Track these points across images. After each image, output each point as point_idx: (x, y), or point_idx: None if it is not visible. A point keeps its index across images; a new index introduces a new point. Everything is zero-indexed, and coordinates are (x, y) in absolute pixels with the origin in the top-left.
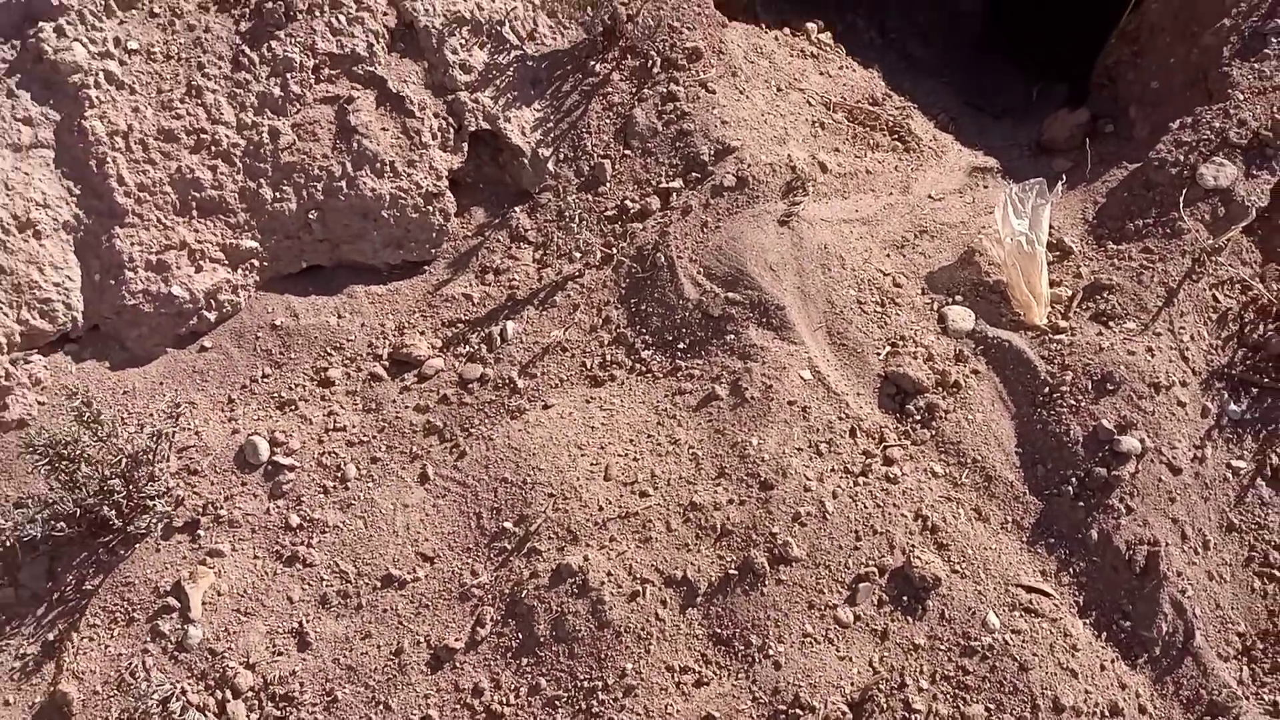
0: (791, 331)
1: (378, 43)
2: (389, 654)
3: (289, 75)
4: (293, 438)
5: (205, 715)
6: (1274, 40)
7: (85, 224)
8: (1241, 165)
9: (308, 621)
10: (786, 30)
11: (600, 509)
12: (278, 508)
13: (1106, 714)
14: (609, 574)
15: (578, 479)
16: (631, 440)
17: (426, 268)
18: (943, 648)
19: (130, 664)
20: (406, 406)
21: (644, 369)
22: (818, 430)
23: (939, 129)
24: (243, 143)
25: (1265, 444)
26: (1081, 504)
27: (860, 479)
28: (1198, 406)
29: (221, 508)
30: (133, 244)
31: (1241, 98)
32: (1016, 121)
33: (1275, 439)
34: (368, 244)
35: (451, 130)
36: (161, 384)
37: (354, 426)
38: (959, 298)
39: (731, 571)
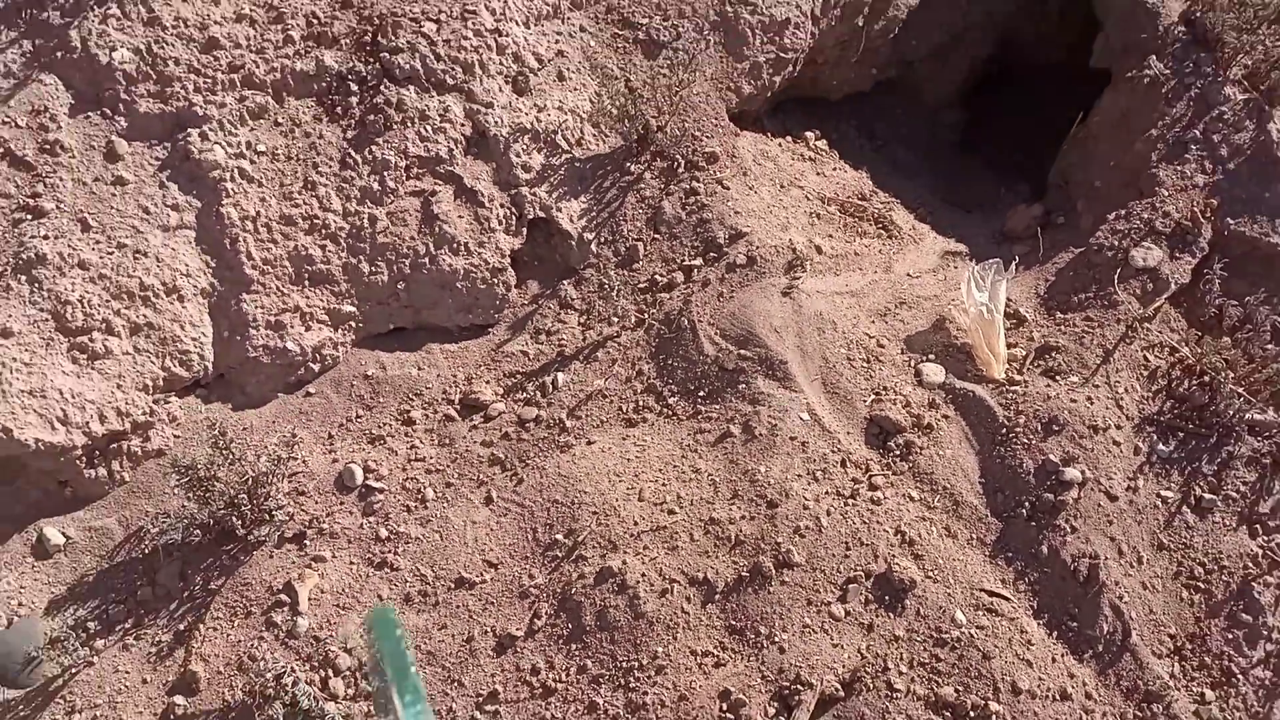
0: (793, 382)
1: (456, 148)
2: (461, 641)
3: (385, 173)
4: (381, 466)
5: (312, 688)
6: (1193, 147)
7: (219, 290)
8: (1166, 249)
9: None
10: (788, 138)
11: (635, 524)
12: (369, 523)
13: (1057, 698)
14: (643, 575)
15: (616, 500)
16: (660, 469)
17: (491, 329)
18: (919, 639)
19: (248, 649)
20: (474, 442)
21: (670, 412)
22: (814, 461)
23: (918, 220)
24: (347, 227)
25: (1189, 479)
26: (1034, 524)
27: (850, 500)
28: (1131, 446)
29: (324, 522)
30: (256, 307)
31: (1166, 194)
32: (985, 215)
33: (1198, 475)
34: (443, 309)
35: (514, 218)
36: (274, 422)
37: (431, 458)
38: (932, 356)
39: (744, 574)
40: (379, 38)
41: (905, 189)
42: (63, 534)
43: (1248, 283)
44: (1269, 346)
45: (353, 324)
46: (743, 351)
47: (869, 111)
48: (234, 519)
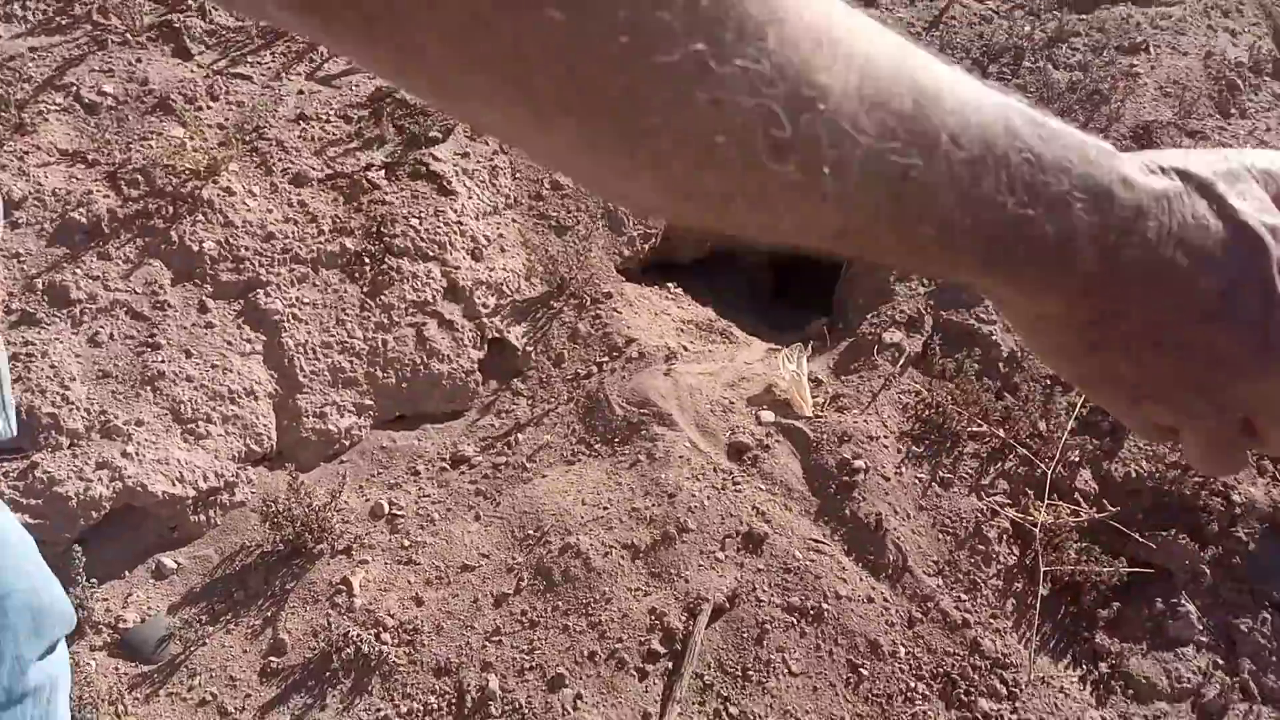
0: (677, 426)
1: (437, 295)
2: (470, 602)
3: (391, 312)
4: (400, 502)
5: (370, 638)
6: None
7: (280, 393)
8: (905, 331)
9: (421, 592)
10: (656, 286)
11: (582, 517)
12: (395, 538)
13: (866, 601)
14: (591, 545)
15: (567, 506)
16: (594, 486)
17: (466, 412)
18: (773, 569)
19: (320, 621)
20: (464, 482)
21: (597, 453)
22: (696, 469)
23: (748, 335)
24: (366, 348)
25: (935, 467)
26: (839, 498)
27: (721, 491)
28: (895, 448)
29: (364, 539)
30: (306, 403)
31: (900, 300)
32: (794, 330)
33: (940, 465)
34: (433, 401)
35: (478, 338)
36: (320, 480)
37: (434, 494)
38: (765, 406)
39: (657, 539)
40: (382, 229)
41: (738, 318)
42: (175, 562)
43: (958, 348)
44: (974, 386)
45: (371, 413)
46: (641, 411)
47: (709, 271)
48: (306, 535)
